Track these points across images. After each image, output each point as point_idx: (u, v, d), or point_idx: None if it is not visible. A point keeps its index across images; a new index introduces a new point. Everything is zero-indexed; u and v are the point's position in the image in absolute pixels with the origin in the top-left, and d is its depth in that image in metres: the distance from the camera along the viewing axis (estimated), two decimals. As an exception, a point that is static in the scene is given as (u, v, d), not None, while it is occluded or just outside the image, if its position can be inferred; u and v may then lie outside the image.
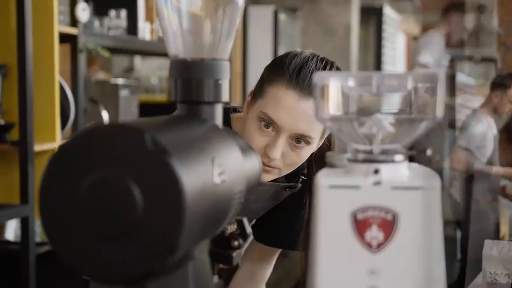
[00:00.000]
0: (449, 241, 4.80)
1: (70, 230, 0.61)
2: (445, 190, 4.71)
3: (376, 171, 0.68)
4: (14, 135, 2.36)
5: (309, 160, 1.34)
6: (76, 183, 0.61)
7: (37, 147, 2.36)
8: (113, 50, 3.10)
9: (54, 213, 0.62)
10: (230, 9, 0.78)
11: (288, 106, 1.20)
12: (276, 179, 1.34)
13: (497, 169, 4.40)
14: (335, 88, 0.69)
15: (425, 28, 9.50)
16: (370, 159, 0.69)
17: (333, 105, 0.70)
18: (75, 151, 0.62)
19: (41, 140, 2.41)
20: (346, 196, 0.67)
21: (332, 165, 0.76)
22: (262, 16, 4.90)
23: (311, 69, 1.21)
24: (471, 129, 4.26)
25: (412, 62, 4.45)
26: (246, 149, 0.84)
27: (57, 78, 2.45)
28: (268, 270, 1.54)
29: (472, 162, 4.23)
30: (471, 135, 4.23)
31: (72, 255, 0.61)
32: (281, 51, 5.32)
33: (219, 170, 0.68)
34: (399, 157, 0.69)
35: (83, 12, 2.58)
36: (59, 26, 2.51)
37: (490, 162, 4.35)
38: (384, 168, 0.68)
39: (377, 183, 0.67)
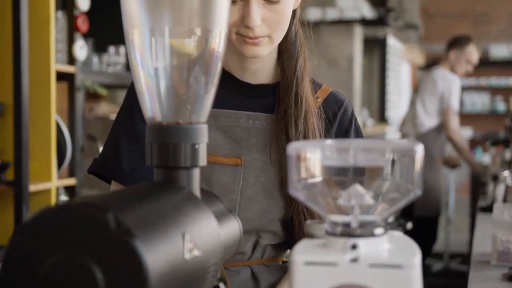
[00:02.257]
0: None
1: (31, 313, 0.59)
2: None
3: (354, 247, 0.65)
4: (9, 174, 2.34)
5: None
6: (37, 265, 0.58)
7: (33, 187, 2.34)
8: (113, 85, 3.10)
9: (15, 295, 0.59)
10: (207, 69, 0.76)
11: None
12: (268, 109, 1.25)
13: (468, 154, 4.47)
14: (310, 158, 0.67)
15: (430, 58, 9.53)
16: (348, 232, 0.66)
17: (309, 175, 0.67)
18: (36, 231, 0.59)
19: (37, 179, 2.39)
20: (322, 274, 0.64)
21: (311, 235, 0.73)
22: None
23: None
24: (455, 89, 4.31)
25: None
26: (224, 213, 0.81)
27: (54, 117, 2.43)
28: None
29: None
30: (457, 96, 4.30)
31: None
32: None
33: (191, 245, 0.66)
34: (378, 231, 0.66)
35: (81, 50, 2.57)
36: (57, 64, 2.51)
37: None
38: (362, 242, 0.65)
39: (355, 260, 0.64)
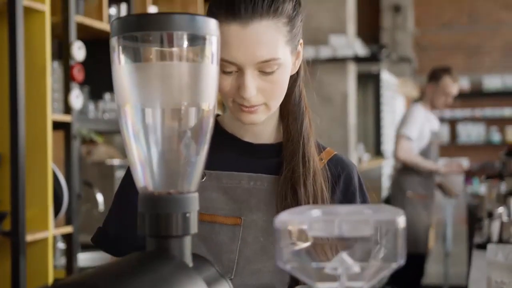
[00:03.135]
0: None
1: None
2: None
3: (341, 317, 0.67)
4: (6, 225, 2.35)
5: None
6: None
7: (29, 237, 2.35)
8: (109, 131, 3.13)
9: None
10: (197, 139, 0.79)
11: (235, 40, 1.11)
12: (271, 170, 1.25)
13: (440, 167, 4.37)
14: (297, 230, 0.69)
15: (424, 90, 9.61)
16: (335, 301, 0.68)
17: (295, 246, 0.70)
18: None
19: (34, 228, 2.41)
20: None
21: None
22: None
23: None
24: (412, 119, 4.32)
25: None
26: (216, 278, 0.83)
27: (50, 166, 2.46)
28: None
29: (414, 152, 4.28)
30: (412, 125, 4.29)
31: None
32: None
33: (182, 317, 0.68)
34: (365, 299, 0.69)
35: (77, 99, 2.61)
36: (53, 114, 2.54)
37: (424, 155, 4.37)
38: (349, 311, 0.67)
39: (342, 330, 0.66)
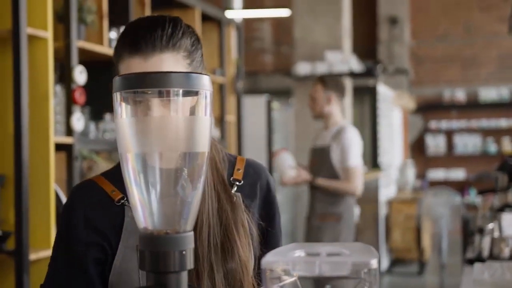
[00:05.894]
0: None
1: None
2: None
3: None
4: (10, 244, 2.43)
5: None
6: None
7: (33, 256, 2.43)
8: (110, 150, 3.22)
9: None
10: (193, 183, 0.87)
11: (138, 70, 1.20)
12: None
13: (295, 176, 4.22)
14: (282, 270, 0.77)
15: (421, 102, 9.71)
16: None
17: (281, 283, 0.78)
18: None
19: (37, 247, 2.48)
20: None
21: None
22: (256, 105, 5.05)
23: (145, 25, 1.23)
24: None
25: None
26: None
27: (53, 186, 2.54)
28: None
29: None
30: None
31: None
32: (276, 139, 5.47)
33: None
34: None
35: (78, 122, 2.69)
36: (56, 136, 2.62)
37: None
38: None
39: None
